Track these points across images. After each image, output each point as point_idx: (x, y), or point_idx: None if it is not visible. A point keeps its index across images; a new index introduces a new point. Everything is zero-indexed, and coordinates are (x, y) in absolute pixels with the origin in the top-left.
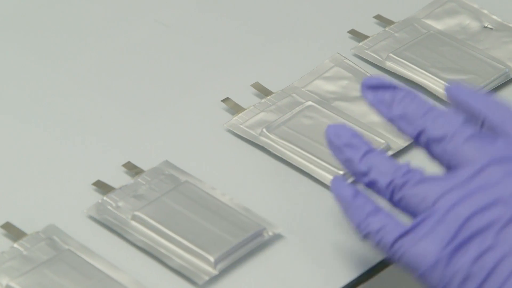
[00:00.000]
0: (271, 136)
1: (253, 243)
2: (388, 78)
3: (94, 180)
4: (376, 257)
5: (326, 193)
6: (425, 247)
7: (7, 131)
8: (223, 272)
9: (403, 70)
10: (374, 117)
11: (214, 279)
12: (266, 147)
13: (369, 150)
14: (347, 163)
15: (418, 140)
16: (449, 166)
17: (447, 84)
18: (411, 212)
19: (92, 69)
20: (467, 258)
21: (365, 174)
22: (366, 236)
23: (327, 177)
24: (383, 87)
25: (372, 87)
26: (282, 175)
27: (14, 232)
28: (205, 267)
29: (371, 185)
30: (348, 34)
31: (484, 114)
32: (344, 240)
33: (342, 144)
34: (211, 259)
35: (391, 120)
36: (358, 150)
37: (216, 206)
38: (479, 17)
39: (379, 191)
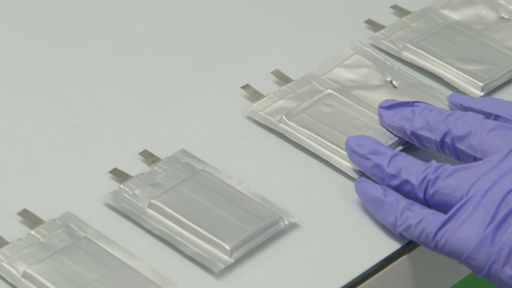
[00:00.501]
0: (290, 123)
1: (269, 232)
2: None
3: (111, 168)
4: (391, 247)
5: (344, 181)
6: (468, 230)
7: (25, 119)
8: (239, 261)
9: (420, 60)
10: None
11: (230, 267)
12: (285, 134)
13: (395, 154)
14: (374, 169)
15: (442, 144)
16: (476, 160)
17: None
18: (445, 204)
19: (110, 57)
20: (510, 231)
21: (395, 176)
22: (405, 231)
23: (346, 165)
24: (400, 105)
25: (389, 107)
26: (300, 163)
27: (31, 219)
28: (221, 255)
29: (402, 185)
30: (365, 24)
31: (495, 113)
32: (360, 229)
33: (367, 152)
34: (227, 247)
35: (414, 132)
36: (384, 155)
37: (232, 194)
38: (496, 7)
39: (410, 191)
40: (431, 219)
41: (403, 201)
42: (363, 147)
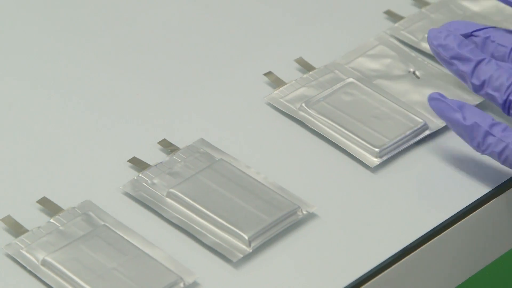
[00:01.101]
0: (310, 111)
1: (287, 221)
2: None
3: (130, 157)
4: (409, 238)
5: (363, 171)
6: None
7: (45, 108)
8: (257, 250)
9: None
10: (414, 96)
11: (248, 256)
12: (304, 122)
13: (479, 61)
14: (457, 74)
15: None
16: None
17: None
18: None
19: (130, 46)
20: None
21: (480, 88)
22: (489, 155)
23: (365, 155)
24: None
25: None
26: (319, 152)
27: (50, 207)
28: (239, 244)
29: (486, 97)
30: (384, 15)
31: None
32: (378, 220)
33: (450, 57)
34: (246, 237)
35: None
36: (468, 62)
37: (251, 184)
38: None
39: (494, 102)
40: None
41: (484, 124)
42: (446, 49)
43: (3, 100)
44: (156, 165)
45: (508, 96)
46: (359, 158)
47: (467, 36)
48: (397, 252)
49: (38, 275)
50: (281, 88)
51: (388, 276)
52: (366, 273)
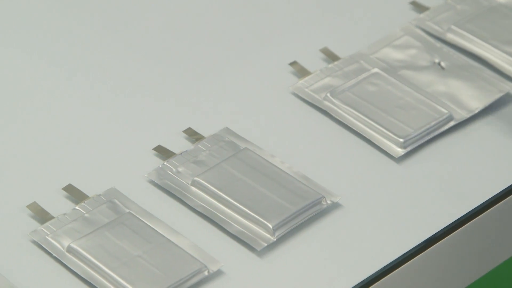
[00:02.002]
0: (334, 101)
1: (312, 211)
2: None
3: (155, 145)
4: (433, 228)
5: (387, 161)
6: None
7: (71, 96)
8: (281, 239)
9: (464, 42)
10: (439, 87)
11: (272, 245)
12: (329, 112)
13: None
14: None
15: None
16: None
17: None
18: None
19: (156, 35)
20: None
21: None
22: None
23: (389, 146)
24: None
25: None
26: (344, 142)
27: (76, 194)
28: (264, 233)
29: None
30: (410, 5)
31: None
32: (402, 210)
33: None
34: (270, 226)
35: None
36: None
37: (275, 173)
38: None
39: None
40: None
41: None
42: None
43: (30, 88)
44: (181, 154)
45: None
46: (384, 148)
47: None
48: (420, 242)
49: (63, 261)
50: (306, 78)
51: (412, 266)
52: (390, 263)
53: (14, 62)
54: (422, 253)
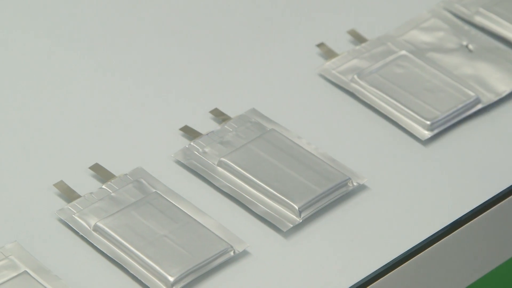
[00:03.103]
0: (361, 83)
1: (338, 193)
2: None
3: (181, 125)
4: (459, 212)
5: (414, 144)
6: None
7: (99, 77)
8: (307, 220)
9: (492, 24)
10: (466, 69)
11: (298, 226)
12: (356, 93)
13: None
14: None
15: None
16: None
17: None
18: None
19: (183, 15)
20: None
21: None
22: None
23: (416, 128)
24: None
25: None
26: (370, 124)
27: (102, 174)
28: (290, 214)
29: None
30: None
31: None
32: (428, 193)
33: None
34: (296, 207)
35: None
36: None
37: (302, 155)
38: None
39: None
40: None
41: None
42: None
43: (58, 69)
44: (207, 134)
45: None
46: (410, 131)
47: None
48: (446, 225)
49: (90, 240)
50: (333, 60)
51: (438, 249)
52: (415, 246)
53: (40, 43)
54: (447, 236)
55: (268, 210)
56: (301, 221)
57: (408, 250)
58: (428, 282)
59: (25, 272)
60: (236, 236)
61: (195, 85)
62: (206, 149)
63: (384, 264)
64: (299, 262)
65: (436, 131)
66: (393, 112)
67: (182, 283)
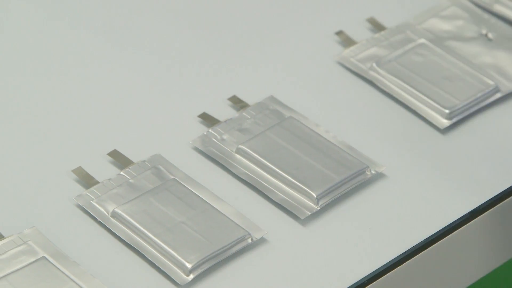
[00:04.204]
0: (380, 71)
1: (356, 181)
2: None
3: (200, 112)
4: (478, 200)
5: (432, 132)
6: None
7: (119, 62)
8: (325, 208)
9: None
10: (485, 58)
11: (316, 214)
12: (374, 81)
13: None
14: None
15: None
16: None
17: None
18: None
19: (199, 2)
20: None
21: None
22: None
23: (435, 117)
24: None
25: None
26: (389, 112)
27: (121, 160)
28: (307, 202)
29: None
30: None
31: None
32: (447, 182)
33: None
34: (314, 194)
35: None
36: None
37: (320, 142)
38: None
39: None
40: None
41: None
42: None
43: (76, 55)
44: (225, 121)
45: None
46: (429, 119)
47: None
48: (465, 214)
49: (108, 226)
50: (352, 48)
51: (457, 237)
52: (433, 234)
53: (59, 28)
54: (466, 225)
55: (286, 198)
56: (319, 208)
57: (426, 238)
58: (447, 270)
59: (43, 257)
60: (253, 223)
61: (214, 72)
62: (224, 136)
63: (402, 252)
64: (317, 249)
65: (454, 120)
66: (411, 100)
67: (200, 270)
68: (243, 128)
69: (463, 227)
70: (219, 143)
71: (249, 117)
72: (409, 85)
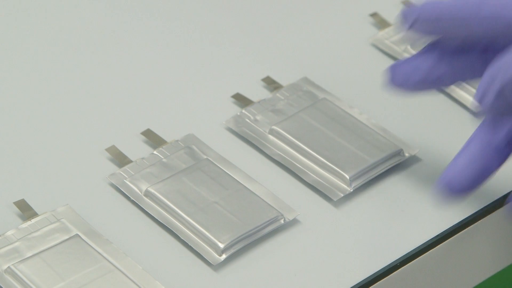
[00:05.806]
0: (415, 53)
1: (389, 163)
2: None
3: (233, 93)
4: (506, 188)
5: (466, 115)
6: None
7: (152, 43)
8: (358, 190)
9: None
10: None
11: (348, 196)
12: None
13: None
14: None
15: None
16: None
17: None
18: None
19: None
20: None
21: None
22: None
23: (468, 99)
24: None
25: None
26: (422, 94)
27: (154, 139)
28: (340, 184)
29: None
30: None
31: None
32: None
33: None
34: (347, 176)
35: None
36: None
37: (353, 124)
38: None
39: None
40: None
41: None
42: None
43: (112, 35)
44: (259, 102)
45: None
46: (463, 102)
47: None
48: (498, 198)
49: (141, 205)
50: (386, 30)
51: (486, 224)
52: (467, 217)
53: (97, 8)
54: (497, 210)
55: (319, 179)
56: (351, 190)
57: (459, 222)
58: (478, 254)
59: (77, 235)
60: (286, 204)
61: (248, 53)
62: (258, 117)
63: (435, 235)
64: (349, 231)
65: None
66: None
67: (232, 250)
68: (276, 109)
69: (493, 212)
70: (252, 124)
71: (283, 98)
72: None
